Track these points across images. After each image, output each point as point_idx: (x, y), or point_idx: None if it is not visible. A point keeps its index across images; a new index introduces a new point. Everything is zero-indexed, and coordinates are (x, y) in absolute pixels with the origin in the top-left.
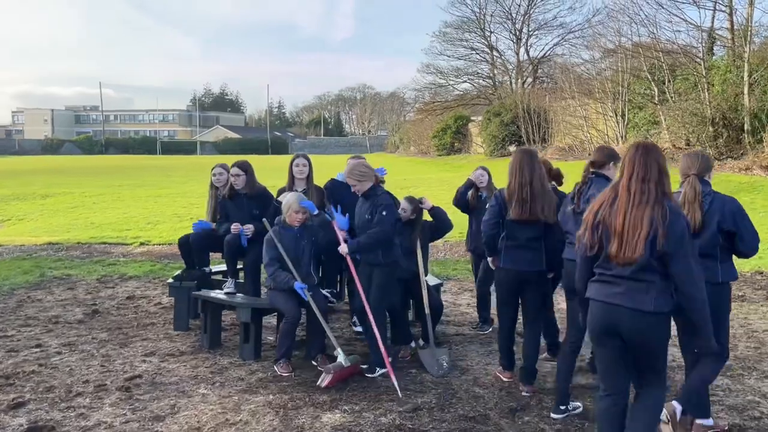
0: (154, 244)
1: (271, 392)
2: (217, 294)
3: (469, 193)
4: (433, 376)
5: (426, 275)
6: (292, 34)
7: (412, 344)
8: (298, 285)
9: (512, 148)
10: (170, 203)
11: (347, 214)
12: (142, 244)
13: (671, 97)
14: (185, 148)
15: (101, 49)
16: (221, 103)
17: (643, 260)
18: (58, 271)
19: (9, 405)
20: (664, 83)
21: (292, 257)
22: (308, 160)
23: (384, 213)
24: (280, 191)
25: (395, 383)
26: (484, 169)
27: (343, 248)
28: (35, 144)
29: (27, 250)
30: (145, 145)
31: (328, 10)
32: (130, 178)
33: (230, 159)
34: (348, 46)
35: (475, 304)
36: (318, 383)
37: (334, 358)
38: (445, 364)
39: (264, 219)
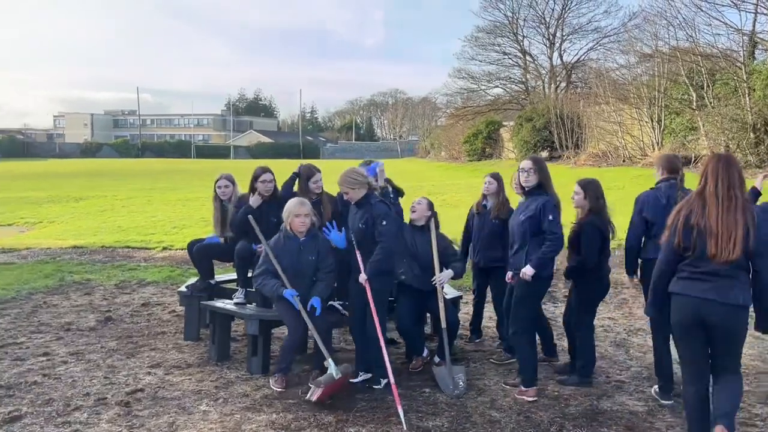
0: (176, 249)
1: (275, 410)
2: (226, 304)
3: (475, 204)
4: (448, 396)
5: (443, 288)
6: (324, 40)
7: (425, 353)
8: (288, 292)
9: (544, 154)
10: (199, 207)
11: (343, 229)
12: (164, 248)
13: (710, 103)
14: (219, 152)
15: (138, 55)
16: (255, 108)
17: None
18: (78, 276)
19: (4, 419)
20: (703, 88)
21: (292, 270)
22: (319, 171)
23: (384, 223)
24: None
25: (400, 412)
26: (493, 176)
27: (363, 277)
28: (75, 147)
29: (51, 254)
30: (180, 149)
31: (359, 17)
32: (163, 181)
33: (263, 163)
34: (379, 51)
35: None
36: (307, 397)
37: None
38: (461, 383)
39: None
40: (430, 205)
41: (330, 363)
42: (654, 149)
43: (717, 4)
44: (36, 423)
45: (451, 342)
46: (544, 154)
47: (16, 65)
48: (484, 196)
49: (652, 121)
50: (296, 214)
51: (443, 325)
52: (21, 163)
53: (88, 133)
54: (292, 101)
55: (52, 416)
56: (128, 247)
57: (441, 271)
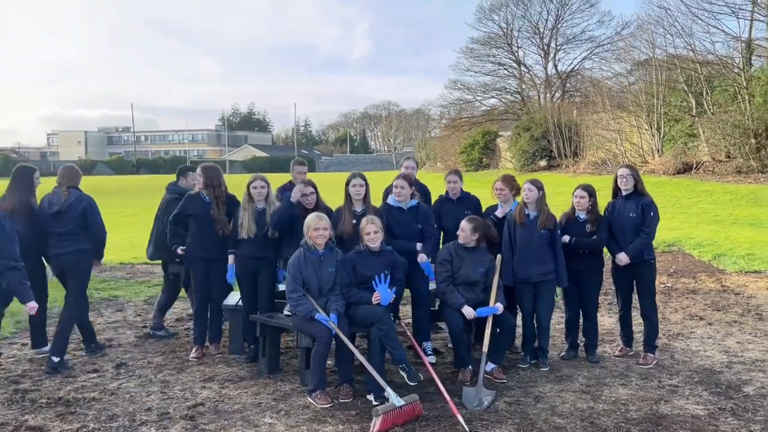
0: None
1: (339, 422)
2: (277, 318)
3: (515, 211)
4: (466, 409)
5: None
6: (313, 55)
7: (470, 367)
8: (319, 317)
9: (543, 163)
10: None
11: (393, 288)
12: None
13: (710, 109)
14: None
15: (125, 71)
16: (249, 123)
17: None
18: (105, 293)
19: None
20: (702, 95)
21: (312, 283)
22: (364, 179)
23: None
24: (338, 209)
25: (460, 419)
26: (533, 183)
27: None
28: None
29: None
30: (175, 165)
31: (345, 32)
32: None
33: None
34: (369, 65)
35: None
36: (370, 430)
37: (367, 392)
38: (485, 402)
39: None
40: (474, 229)
41: (389, 392)
42: (654, 156)
43: (714, 12)
44: None
45: (506, 346)
46: (543, 163)
47: (2, 86)
48: (525, 205)
49: (651, 128)
50: (315, 227)
51: (484, 348)
52: None
53: (82, 150)
54: (286, 116)
55: (119, 431)
56: (146, 263)
57: (495, 301)
